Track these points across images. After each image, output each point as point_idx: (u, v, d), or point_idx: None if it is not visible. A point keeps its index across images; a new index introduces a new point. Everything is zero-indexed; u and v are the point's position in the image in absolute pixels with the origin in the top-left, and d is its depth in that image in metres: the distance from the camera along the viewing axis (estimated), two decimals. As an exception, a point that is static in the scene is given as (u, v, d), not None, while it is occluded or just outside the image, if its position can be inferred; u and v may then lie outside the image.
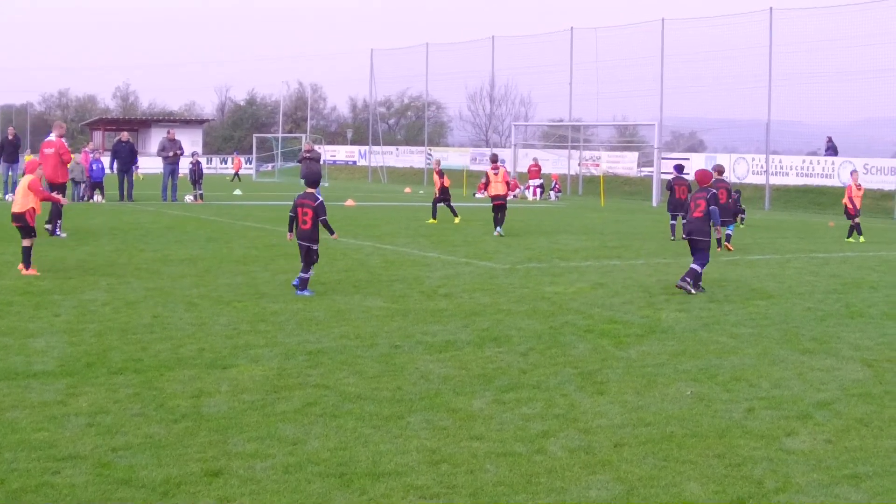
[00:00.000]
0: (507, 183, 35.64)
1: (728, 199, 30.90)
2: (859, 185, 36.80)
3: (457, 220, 37.90)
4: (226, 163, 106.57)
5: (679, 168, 37.73)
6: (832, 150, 69.83)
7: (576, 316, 17.30)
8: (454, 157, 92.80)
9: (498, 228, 32.80)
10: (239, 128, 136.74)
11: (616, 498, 8.38)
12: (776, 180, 67.06)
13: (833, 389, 12.43)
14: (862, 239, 34.69)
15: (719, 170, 31.65)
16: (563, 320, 16.82)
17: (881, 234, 39.29)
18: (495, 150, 65.85)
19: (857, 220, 35.38)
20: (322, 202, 19.03)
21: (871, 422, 10.91)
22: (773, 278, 23.46)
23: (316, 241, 19.10)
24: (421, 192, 69.36)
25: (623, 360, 13.75)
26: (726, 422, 10.73)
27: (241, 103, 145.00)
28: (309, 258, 19.00)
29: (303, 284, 18.96)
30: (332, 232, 19.44)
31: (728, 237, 30.43)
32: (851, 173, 38.36)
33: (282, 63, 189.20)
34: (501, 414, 10.83)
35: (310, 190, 19.30)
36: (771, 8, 66.12)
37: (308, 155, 50.20)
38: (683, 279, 20.32)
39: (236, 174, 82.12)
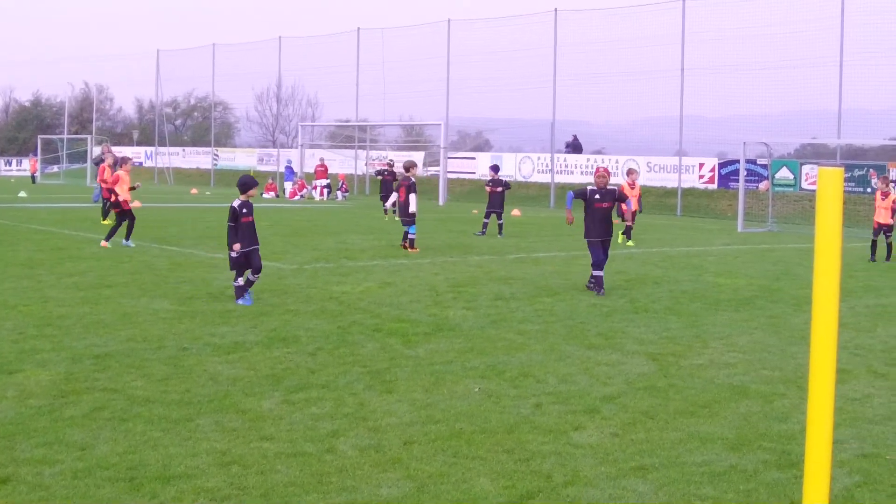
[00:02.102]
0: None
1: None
2: (633, 184, 35.96)
3: None
4: (11, 164, 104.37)
5: (495, 168, 38.32)
6: (576, 147, 71.36)
7: (364, 315, 17.33)
8: (241, 158, 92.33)
9: None
10: (24, 129, 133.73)
11: (407, 495, 8.41)
12: (561, 179, 68.09)
13: (619, 383, 12.67)
14: (630, 243, 33.98)
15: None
16: (352, 320, 16.83)
17: (665, 231, 40.25)
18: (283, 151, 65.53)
19: (629, 222, 34.33)
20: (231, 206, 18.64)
21: (657, 414, 11.15)
22: (559, 275, 23.83)
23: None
24: (208, 192, 68.71)
25: (411, 359, 13.81)
26: (515, 417, 10.84)
27: (26, 104, 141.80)
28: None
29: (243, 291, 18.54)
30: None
31: (411, 239, 29.48)
32: (627, 172, 37.51)
33: (67, 64, 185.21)
34: (291, 414, 10.79)
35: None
36: (556, 9, 67.16)
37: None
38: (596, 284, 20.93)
39: (33, 176, 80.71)
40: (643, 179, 62.31)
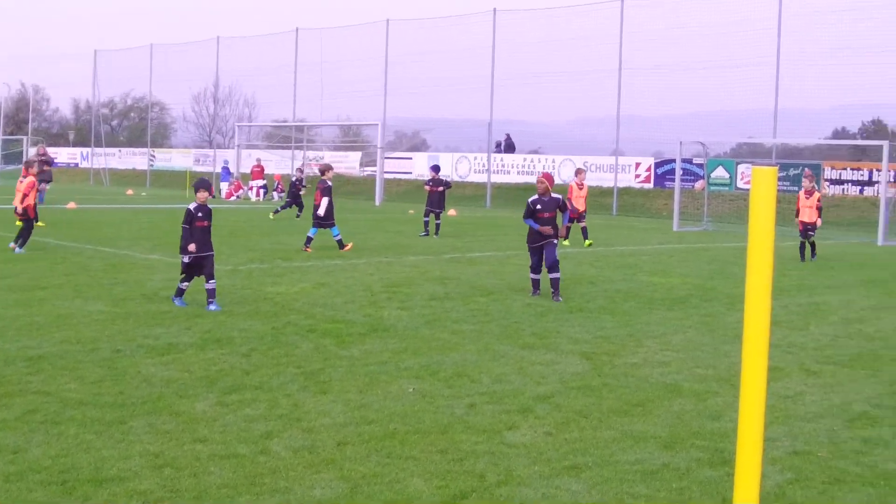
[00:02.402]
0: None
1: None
2: (581, 185, 35.67)
3: None
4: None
5: (436, 168, 38.34)
6: (509, 147, 71.63)
7: (298, 316, 17.28)
8: (177, 159, 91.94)
9: None
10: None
11: (340, 496, 8.39)
12: (498, 179, 68.24)
13: (553, 383, 12.70)
14: (566, 242, 33.34)
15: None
16: (286, 320, 16.77)
17: (600, 230, 40.38)
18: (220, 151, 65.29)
19: (581, 222, 34.66)
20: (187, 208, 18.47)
21: (591, 413, 11.18)
22: (494, 275, 23.87)
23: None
24: (143, 193, 68.31)
25: (346, 359, 13.78)
26: (448, 417, 10.85)
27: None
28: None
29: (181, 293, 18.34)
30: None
31: (340, 242, 29.30)
32: (576, 172, 36.98)
33: (3, 64, 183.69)
34: (225, 416, 10.73)
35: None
36: (495, 9, 67.28)
37: (43, 158, 48.52)
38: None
39: None
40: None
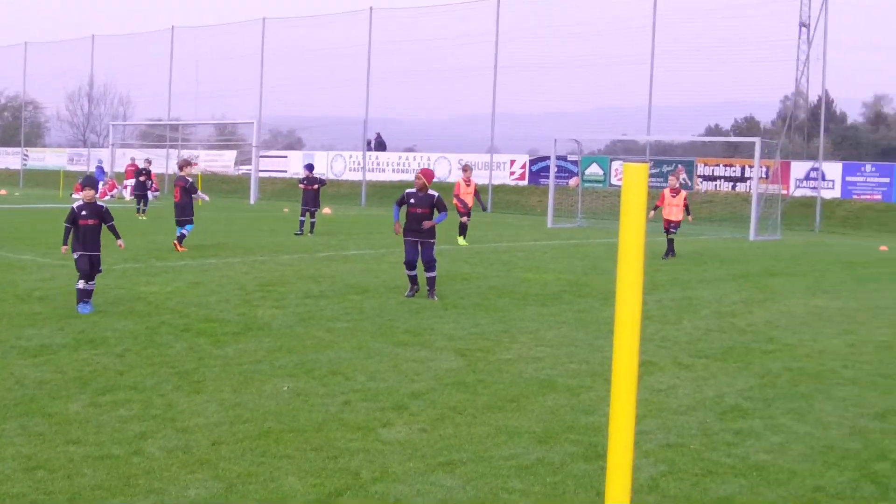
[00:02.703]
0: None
1: None
2: (469, 181, 35.46)
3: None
4: None
5: (310, 167, 38.27)
6: (380, 145, 71.86)
7: (172, 315, 17.13)
8: (51, 158, 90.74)
9: None
10: None
11: (215, 496, 8.34)
12: (372, 177, 68.24)
13: (427, 380, 12.72)
14: (464, 242, 33.96)
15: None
16: (160, 320, 16.62)
17: (474, 227, 40.52)
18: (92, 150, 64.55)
19: (464, 219, 34.49)
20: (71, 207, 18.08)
21: (465, 410, 11.22)
22: (369, 273, 23.88)
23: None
24: (17, 193, 67.26)
25: (220, 359, 13.69)
26: (323, 415, 10.82)
27: None
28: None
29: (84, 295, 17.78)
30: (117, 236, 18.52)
31: (180, 239, 28.82)
32: (463, 168, 36.63)
33: None
34: (98, 417, 10.60)
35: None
36: (371, 7, 67.27)
37: None
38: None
39: None
40: (454, 176, 62.69)
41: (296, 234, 35.67)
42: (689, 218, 31.38)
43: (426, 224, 20.27)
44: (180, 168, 29.50)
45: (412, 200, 20.45)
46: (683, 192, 31.45)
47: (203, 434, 10.01)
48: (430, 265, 20.30)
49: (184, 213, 28.75)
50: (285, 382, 12.35)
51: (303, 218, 36.47)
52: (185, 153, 77.55)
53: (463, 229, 34.67)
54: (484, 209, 38.92)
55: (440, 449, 9.72)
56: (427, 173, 20.84)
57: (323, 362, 13.62)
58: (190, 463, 9.13)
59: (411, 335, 15.83)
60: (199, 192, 29.45)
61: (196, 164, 29.73)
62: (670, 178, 32.54)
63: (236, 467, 9.03)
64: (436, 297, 19.95)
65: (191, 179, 29.18)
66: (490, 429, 10.46)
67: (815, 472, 9.33)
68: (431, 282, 20.25)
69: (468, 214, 34.94)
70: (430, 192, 20.56)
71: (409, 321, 17.17)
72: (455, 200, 35.17)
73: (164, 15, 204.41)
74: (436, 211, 20.54)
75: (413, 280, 20.58)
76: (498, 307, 19.12)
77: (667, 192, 31.23)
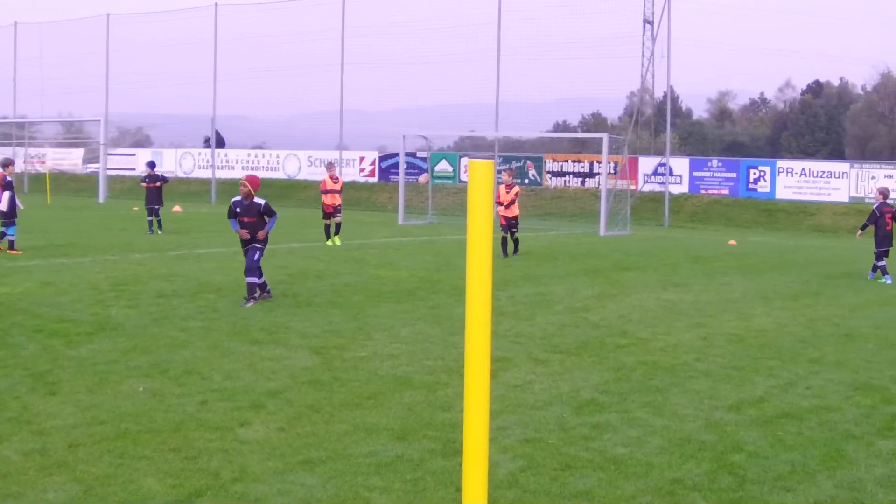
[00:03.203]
0: None
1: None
2: (336, 178, 34.89)
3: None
4: None
5: (151, 164, 37.91)
6: (219, 142, 71.75)
7: (24, 316, 16.87)
8: None
9: None
10: None
11: (73, 499, 8.25)
12: (222, 174, 67.81)
13: (283, 378, 12.70)
14: (337, 242, 33.36)
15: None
16: (11, 321, 16.35)
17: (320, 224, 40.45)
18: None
19: (335, 219, 33.60)
20: None
21: (322, 408, 11.23)
22: (222, 271, 23.75)
23: None
24: None
25: (74, 360, 13.52)
26: (180, 416, 10.76)
27: None
28: None
29: None
30: None
31: (11, 243, 27.90)
32: (327, 167, 36.49)
33: None
34: (-51, 421, 10.44)
35: None
36: (216, 3, 66.77)
37: None
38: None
39: None
40: (304, 174, 62.60)
41: (147, 234, 35.29)
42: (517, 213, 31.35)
43: (260, 234, 19.53)
44: (3, 167, 28.74)
45: (238, 210, 19.69)
46: (517, 188, 31.56)
47: (60, 436, 9.89)
48: (250, 270, 19.26)
49: (7, 214, 27.96)
50: (141, 383, 12.25)
51: (150, 217, 36.15)
52: (32, 152, 76.30)
53: (328, 229, 33.80)
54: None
55: (299, 447, 9.72)
56: (252, 180, 20.02)
57: (178, 362, 13.53)
58: (47, 466, 9.02)
59: (266, 333, 15.79)
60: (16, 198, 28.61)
61: (13, 167, 28.89)
62: (503, 174, 32.52)
63: (94, 469, 8.94)
64: (249, 304, 18.90)
65: (10, 179, 28.57)
66: (348, 426, 10.48)
67: (673, 465, 9.51)
68: (249, 288, 19.26)
69: (335, 213, 33.92)
70: (256, 199, 19.60)
71: (263, 319, 17.12)
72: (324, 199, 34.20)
73: (5, 11, 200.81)
74: (265, 217, 19.66)
75: (252, 288, 19.54)
76: (352, 304, 19.15)
77: (501, 188, 31.26)
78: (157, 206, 36.30)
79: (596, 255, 31.83)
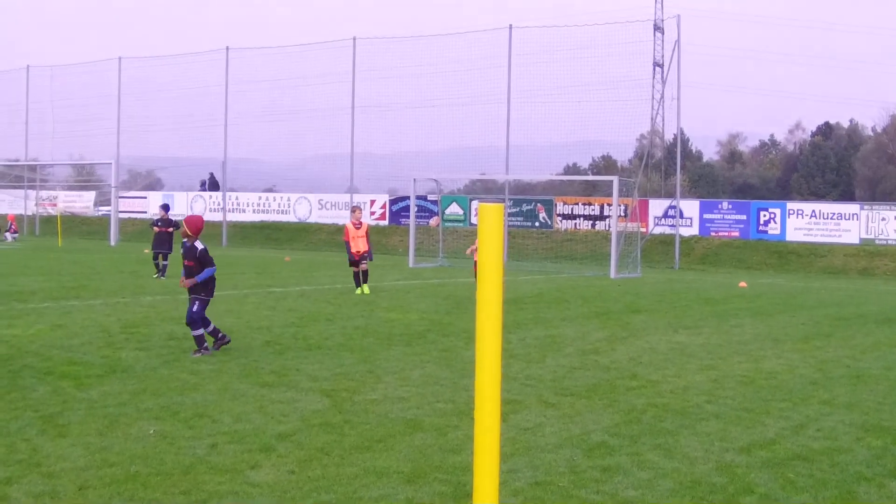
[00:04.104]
0: None
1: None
2: (359, 223, 31.86)
3: None
4: None
5: (165, 207, 37.94)
6: (213, 185, 71.92)
7: (35, 358, 16.88)
8: None
9: None
10: None
11: (81, 542, 8.25)
12: (233, 217, 67.95)
13: (294, 421, 12.68)
14: (367, 290, 31.45)
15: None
16: (23, 363, 16.36)
17: (337, 268, 40.48)
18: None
19: (362, 266, 31.29)
20: None
21: (332, 451, 11.20)
22: (232, 314, 23.75)
23: None
24: None
25: (85, 402, 13.52)
26: (190, 458, 10.74)
27: None
28: None
29: None
30: None
31: None
32: (352, 210, 32.79)
33: None
34: (-41, 464, 10.43)
35: None
36: (227, 47, 67.29)
37: None
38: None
39: None
40: (315, 217, 62.70)
41: (154, 278, 35.27)
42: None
43: (182, 283, 18.51)
44: None
45: (182, 251, 18.74)
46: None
47: (69, 478, 9.88)
48: (191, 323, 18.17)
49: None
50: (151, 425, 12.24)
51: (157, 261, 36.05)
52: (44, 194, 76.58)
53: (357, 277, 31.72)
54: (370, 258, 32.48)
55: (309, 491, 9.70)
56: (190, 221, 18.98)
57: (188, 404, 13.52)
58: (56, 509, 9.01)
59: (276, 376, 15.77)
60: None
61: None
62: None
63: (104, 512, 8.93)
64: (198, 354, 17.83)
65: None
66: (358, 469, 10.45)
67: (682, 507, 9.48)
68: (195, 340, 18.16)
69: (364, 260, 31.65)
70: (196, 243, 18.53)
71: (273, 362, 17.11)
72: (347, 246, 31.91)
73: (17, 54, 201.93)
74: (200, 266, 18.44)
75: (213, 333, 18.70)
76: (362, 347, 19.13)
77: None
78: (166, 251, 36.16)
79: (606, 297, 31.80)
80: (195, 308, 18.22)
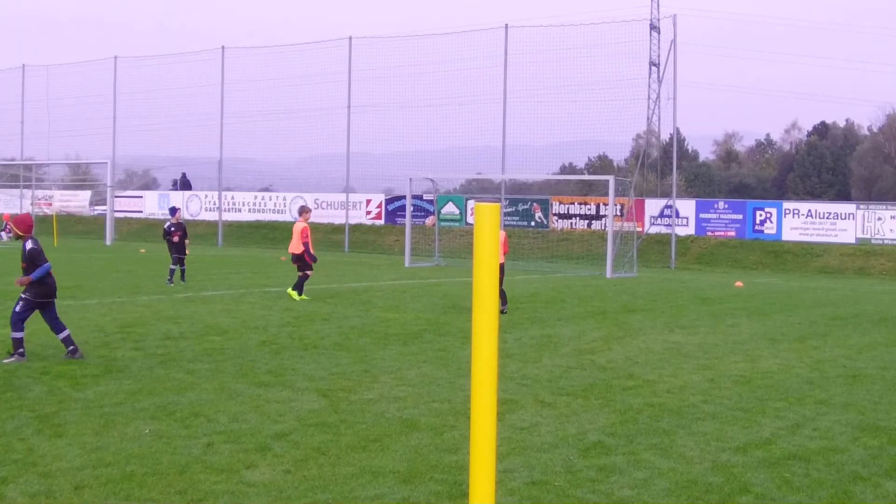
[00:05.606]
0: None
1: None
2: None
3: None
4: None
5: (173, 211, 37.51)
6: (185, 185, 71.88)
7: (31, 358, 16.86)
8: None
9: None
10: None
11: (77, 541, 8.24)
12: (229, 216, 67.92)
13: (290, 420, 12.68)
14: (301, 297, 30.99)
15: None
16: (18, 363, 16.36)
17: (332, 267, 40.50)
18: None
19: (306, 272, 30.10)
20: None
21: (329, 450, 11.19)
22: (228, 313, 23.74)
23: None
24: None
25: (81, 402, 13.51)
26: (186, 458, 10.73)
27: None
28: None
29: None
30: None
31: None
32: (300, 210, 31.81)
33: None
34: (-46, 463, 10.42)
35: None
36: (223, 47, 67.18)
37: None
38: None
39: None
40: (311, 216, 62.68)
41: (168, 284, 34.12)
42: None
43: (17, 281, 17.35)
44: None
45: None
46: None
47: (66, 478, 9.87)
48: (11, 324, 17.14)
49: None
50: (147, 425, 12.24)
51: (174, 267, 34.23)
52: (40, 193, 76.54)
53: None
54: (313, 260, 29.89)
55: (305, 490, 9.70)
56: (18, 221, 17.91)
57: (184, 404, 13.51)
58: (51, 508, 9.01)
59: (272, 376, 15.76)
60: None
61: None
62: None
63: (100, 512, 8.93)
64: (9, 360, 16.75)
65: None
66: (354, 469, 10.45)
67: (678, 507, 9.48)
68: (13, 342, 17.03)
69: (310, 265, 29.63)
70: (27, 242, 17.29)
71: (269, 362, 17.10)
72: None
73: (13, 53, 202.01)
74: (32, 265, 17.21)
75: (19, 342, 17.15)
76: (359, 347, 19.13)
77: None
78: (182, 256, 34.34)
79: (602, 297, 31.80)
80: (18, 308, 17.08)
